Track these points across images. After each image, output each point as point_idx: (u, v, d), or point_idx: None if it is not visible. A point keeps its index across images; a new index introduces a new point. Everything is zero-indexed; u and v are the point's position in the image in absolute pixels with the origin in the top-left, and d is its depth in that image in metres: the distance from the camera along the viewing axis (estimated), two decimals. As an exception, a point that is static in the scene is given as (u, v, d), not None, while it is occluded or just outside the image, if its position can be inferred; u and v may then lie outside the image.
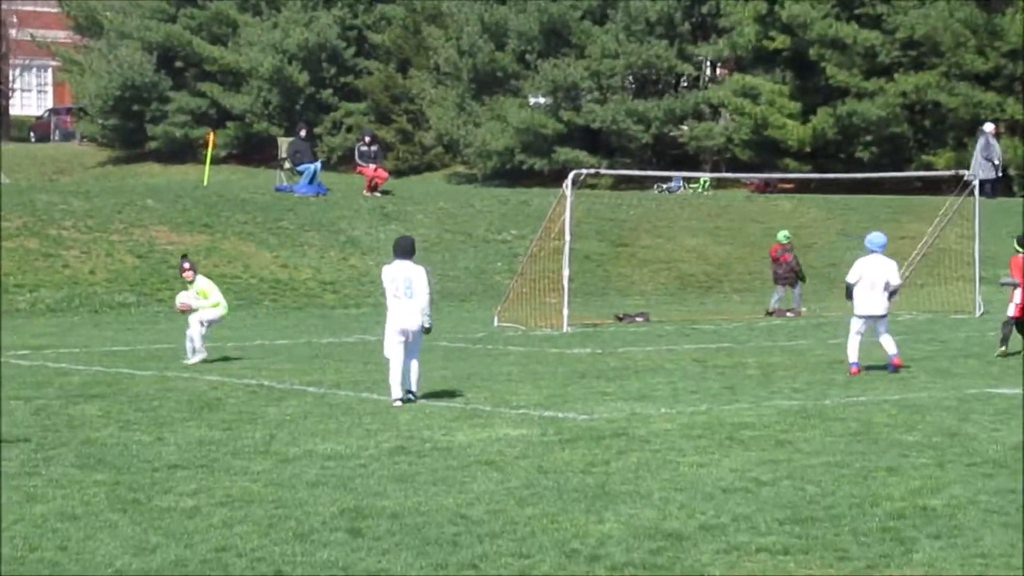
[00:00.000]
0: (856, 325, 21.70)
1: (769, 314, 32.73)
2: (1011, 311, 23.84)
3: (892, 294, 21.94)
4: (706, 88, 58.48)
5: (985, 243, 33.84)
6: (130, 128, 66.88)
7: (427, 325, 18.86)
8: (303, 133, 44.83)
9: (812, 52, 52.04)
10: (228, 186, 47.71)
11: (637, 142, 55.52)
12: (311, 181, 42.90)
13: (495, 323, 30.68)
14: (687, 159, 55.64)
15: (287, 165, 44.40)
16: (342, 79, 63.76)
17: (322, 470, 14.24)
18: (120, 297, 33.45)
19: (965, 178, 34.16)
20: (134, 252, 35.48)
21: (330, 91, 63.66)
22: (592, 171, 35.62)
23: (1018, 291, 23.66)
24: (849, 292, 21.87)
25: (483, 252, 38.72)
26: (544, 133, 55.41)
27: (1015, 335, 23.88)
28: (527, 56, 57.26)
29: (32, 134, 75.57)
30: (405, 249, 18.96)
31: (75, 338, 27.72)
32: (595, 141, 56.29)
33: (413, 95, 61.01)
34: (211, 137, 53.13)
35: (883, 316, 21.77)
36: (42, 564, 10.81)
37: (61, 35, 74.67)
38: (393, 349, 18.75)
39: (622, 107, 54.99)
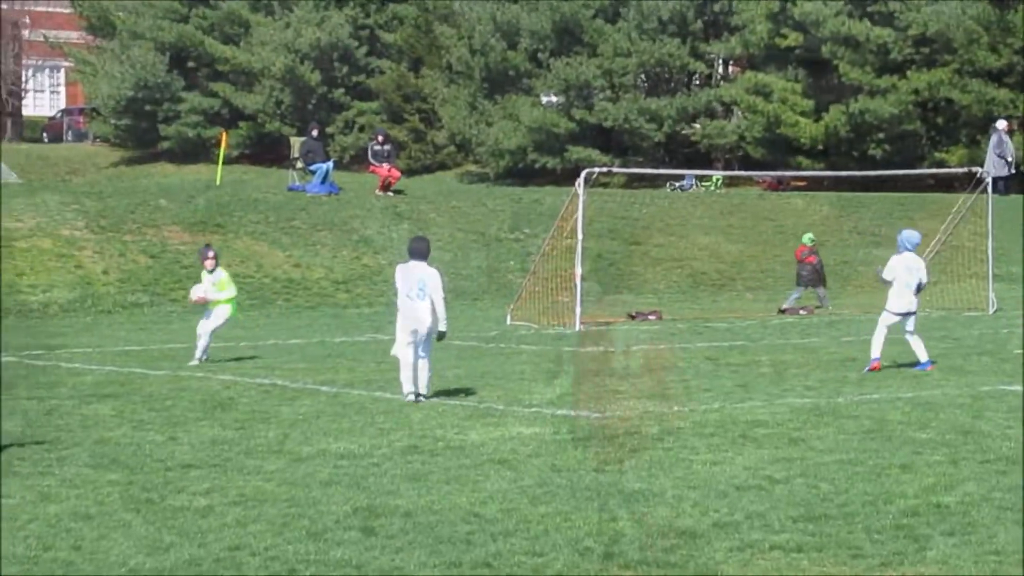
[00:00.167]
0: (889, 320, 21.67)
1: (782, 312, 32.76)
2: None
3: (918, 291, 22.01)
4: (718, 86, 58.37)
5: (998, 240, 33.80)
6: (143, 128, 66.84)
7: (443, 329, 18.76)
8: (315, 133, 44.83)
9: (824, 50, 51.91)
10: (241, 186, 47.71)
11: (649, 140, 55.43)
12: (323, 180, 42.87)
13: (508, 322, 30.69)
14: (699, 157, 55.54)
15: (299, 165, 44.39)
16: (354, 78, 63.70)
17: (335, 469, 14.24)
18: (133, 297, 33.48)
19: (978, 175, 34.12)
20: (147, 252, 35.50)
21: (342, 90, 63.61)
22: (604, 170, 35.53)
23: None
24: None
25: (496, 251, 38.70)
26: (556, 132, 55.33)
27: None
28: (539, 55, 57.17)
29: (45, 135, 75.52)
30: (420, 251, 18.91)
31: (88, 338, 27.77)
32: (607, 140, 56.20)
33: (425, 94, 60.95)
34: (224, 137, 53.07)
35: (915, 313, 21.84)
36: (56, 564, 10.82)
37: (74, 36, 74.60)
38: (402, 349, 18.74)
39: (634, 105, 54.90)
